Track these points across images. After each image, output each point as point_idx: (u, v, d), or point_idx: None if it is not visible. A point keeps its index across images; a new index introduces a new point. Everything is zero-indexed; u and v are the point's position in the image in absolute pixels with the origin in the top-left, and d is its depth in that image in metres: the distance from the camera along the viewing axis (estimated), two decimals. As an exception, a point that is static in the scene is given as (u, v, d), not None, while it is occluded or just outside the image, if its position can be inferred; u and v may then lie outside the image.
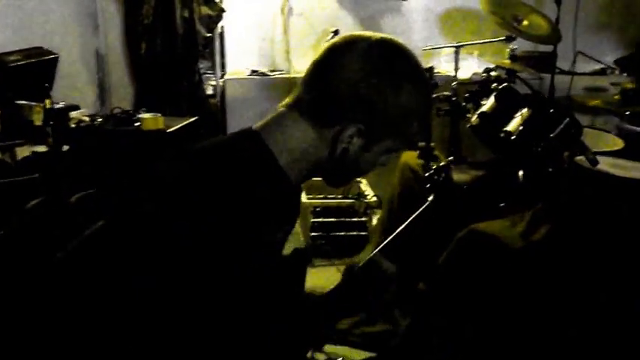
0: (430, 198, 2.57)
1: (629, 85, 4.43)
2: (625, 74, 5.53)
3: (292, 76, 5.16)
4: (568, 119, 3.30)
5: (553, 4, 4.70)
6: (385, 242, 2.24)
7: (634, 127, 4.46)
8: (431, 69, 3.82)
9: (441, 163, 2.70)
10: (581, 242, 2.93)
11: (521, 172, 3.47)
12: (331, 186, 1.79)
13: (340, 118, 1.58)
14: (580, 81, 5.27)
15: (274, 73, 5.28)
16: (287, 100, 1.65)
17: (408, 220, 2.41)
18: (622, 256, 2.92)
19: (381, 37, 1.62)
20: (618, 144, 4.07)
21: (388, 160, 1.71)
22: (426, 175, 2.68)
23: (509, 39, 4.58)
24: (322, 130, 1.60)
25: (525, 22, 4.38)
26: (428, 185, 2.69)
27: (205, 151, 1.60)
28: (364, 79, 1.55)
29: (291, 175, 1.61)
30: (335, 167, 1.65)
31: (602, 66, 5.59)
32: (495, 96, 3.58)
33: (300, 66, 5.21)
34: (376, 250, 2.14)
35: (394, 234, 2.32)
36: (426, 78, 1.68)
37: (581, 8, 4.87)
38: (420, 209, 2.50)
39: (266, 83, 5.18)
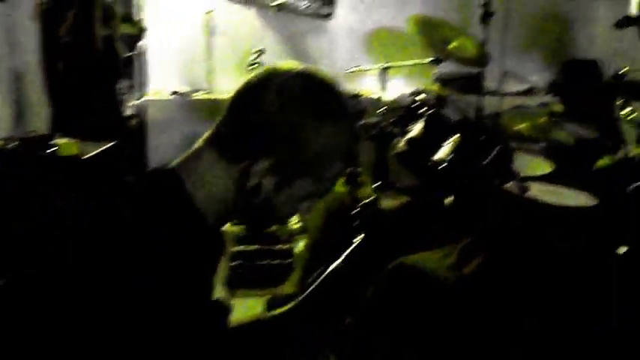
0: (358, 238, 2.46)
1: (558, 108, 4.40)
2: (551, 94, 5.54)
3: (215, 96, 5.01)
4: (500, 147, 3.23)
5: (480, 25, 4.68)
6: (311, 288, 2.13)
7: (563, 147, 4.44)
8: (357, 95, 3.71)
9: (370, 198, 2.59)
10: (514, 274, 2.87)
11: (449, 199, 3.40)
12: (251, 232, 1.70)
13: (253, 152, 1.47)
14: (508, 101, 5.24)
15: (196, 93, 5.13)
16: (206, 134, 1.54)
17: (335, 264, 2.30)
18: (554, 286, 2.87)
19: (303, 70, 1.53)
20: (546, 168, 4.04)
21: (310, 208, 1.60)
22: (353, 212, 2.57)
23: (437, 61, 4.52)
24: (236, 168, 1.49)
25: (453, 44, 4.32)
26: (356, 223, 2.58)
27: (120, 192, 1.50)
28: (281, 114, 1.46)
29: (210, 216, 1.50)
30: (249, 207, 1.54)
31: (529, 86, 5.59)
32: (423, 123, 3.50)
33: (224, 86, 5.06)
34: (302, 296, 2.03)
35: (320, 279, 2.21)
36: (350, 115, 1.58)
37: (508, 28, 4.82)
38: (348, 251, 2.39)
39: (188, 104, 5.03)
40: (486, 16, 4.71)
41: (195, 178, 1.49)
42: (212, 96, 5.05)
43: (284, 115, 1.46)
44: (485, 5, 4.69)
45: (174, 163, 1.52)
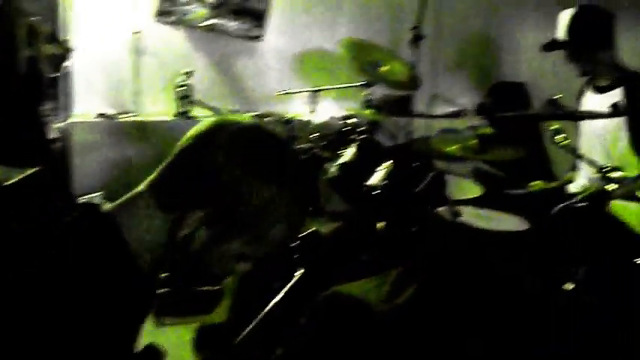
0: (298, 273, 2.43)
1: (487, 131, 4.43)
2: (479, 117, 5.59)
3: (143, 119, 4.91)
4: (433, 173, 3.24)
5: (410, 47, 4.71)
6: (255, 322, 2.12)
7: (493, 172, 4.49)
8: (290, 121, 3.67)
9: (309, 230, 2.56)
10: (447, 301, 2.87)
11: (381, 224, 3.39)
12: (180, 286, 1.64)
13: (190, 202, 1.42)
14: (437, 124, 5.27)
15: (124, 115, 5.02)
16: (148, 179, 1.48)
17: (277, 299, 2.28)
18: (487, 314, 2.88)
19: (253, 125, 1.48)
20: (476, 191, 4.07)
21: (247, 269, 1.53)
22: (291, 245, 2.54)
23: (367, 85, 4.52)
24: (170, 217, 1.44)
25: (384, 68, 4.31)
26: (296, 256, 2.54)
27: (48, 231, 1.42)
28: (225, 168, 1.40)
29: (144, 264, 1.44)
30: (179, 259, 1.48)
31: (457, 108, 5.63)
32: (355, 148, 3.48)
33: (151, 109, 4.96)
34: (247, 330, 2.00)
35: (263, 314, 2.19)
36: (297, 177, 1.50)
37: (439, 51, 4.85)
38: (289, 285, 2.36)
39: (114, 127, 4.91)
40: (416, 40, 4.74)
41: (131, 224, 1.43)
42: (139, 118, 4.95)
43: (227, 170, 1.40)
44: (416, 29, 4.72)
45: (112, 206, 1.46)
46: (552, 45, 4.05)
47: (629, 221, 3.61)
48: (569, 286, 2.87)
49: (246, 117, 1.51)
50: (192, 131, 1.48)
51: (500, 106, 5.60)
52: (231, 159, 1.41)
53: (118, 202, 1.47)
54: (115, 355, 1.41)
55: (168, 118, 4.90)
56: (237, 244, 1.46)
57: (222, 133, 1.45)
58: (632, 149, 3.78)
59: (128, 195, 1.47)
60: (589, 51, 3.89)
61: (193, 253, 1.45)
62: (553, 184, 4.32)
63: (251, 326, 2.24)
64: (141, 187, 1.47)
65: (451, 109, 5.62)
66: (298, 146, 3.79)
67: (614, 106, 3.66)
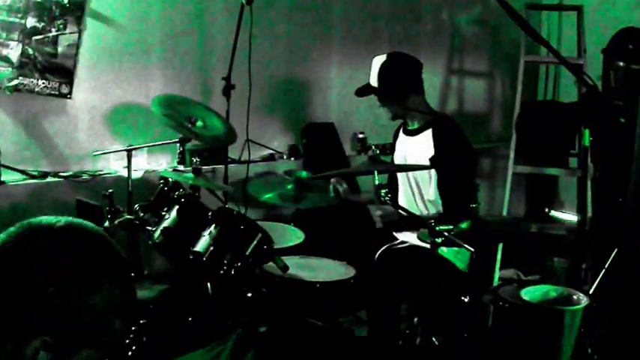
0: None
1: (303, 175, 4.54)
2: (292, 159, 5.72)
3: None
4: (260, 234, 3.31)
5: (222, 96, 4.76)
6: None
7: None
8: (111, 195, 3.62)
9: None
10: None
11: (208, 285, 3.42)
12: None
13: (18, 331, 1.30)
14: (252, 168, 5.34)
15: None
16: None
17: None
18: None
19: (65, 223, 1.38)
20: (300, 236, 4.18)
21: None
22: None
23: (182, 141, 4.54)
24: (4, 350, 1.31)
25: (199, 123, 4.32)
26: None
27: None
28: (43, 282, 1.30)
29: None
30: None
31: (270, 152, 5.73)
32: (178, 211, 3.50)
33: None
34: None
35: None
36: (123, 269, 1.45)
37: (250, 98, 4.91)
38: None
39: None
40: (228, 89, 4.80)
41: None
42: None
43: (47, 279, 1.31)
44: (226, 78, 4.78)
45: None
46: (365, 90, 4.24)
47: (454, 262, 3.84)
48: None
49: (54, 219, 1.38)
50: None
51: (312, 146, 5.75)
52: (52, 268, 1.32)
53: None
54: None
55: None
56: (81, 356, 1.36)
57: (37, 233, 1.36)
58: (441, 194, 4.00)
59: None
60: (399, 96, 4.10)
61: None
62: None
63: None
64: None
65: (264, 153, 5.72)
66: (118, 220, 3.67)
67: (431, 159, 3.90)
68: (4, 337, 1.30)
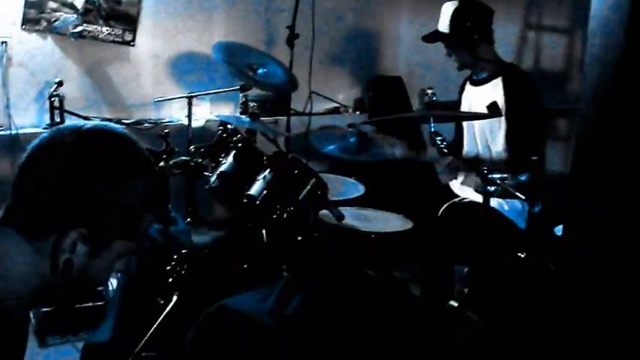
0: (174, 297, 2.37)
1: (366, 127, 4.44)
2: (358, 112, 5.63)
3: (14, 132, 4.71)
4: (314, 180, 3.22)
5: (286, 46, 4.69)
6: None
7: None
8: (167, 134, 3.57)
9: (182, 252, 2.50)
10: (335, 309, 2.86)
11: (264, 232, 3.36)
12: (59, 307, 1.62)
13: (56, 225, 1.38)
14: (316, 120, 5.27)
15: (-8, 129, 4.81)
16: (3, 209, 1.43)
17: (157, 323, 2.23)
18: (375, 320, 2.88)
19: (93, 126, 1.46)
20: (360, 189, 4.08)
21: (130, 265, 1.57)
22: (168, 268, 2.48)
23: (243, 88, 4.47)
24: (40, 245, 1.38)
25: (261, 71, 4.27)
26: (170, 280, 2.48)
27: None
28: (76, 178, 1.38)
29: (11, 302, 1.37)
30: (62, 284, 1.42)
31: (335, 105, 5.64)
32: (234, 156, 3.43)
33: (23, 121, 4.76)
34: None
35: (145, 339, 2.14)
36: (151, 165, 1.52)
37: (315, 48, 4.83)
38: (166, 310, 2.30)
39: (-17, 141, 4.69)
40: (292, 38, 4.72)
41: None
42: (10, 132, 4.74)
43: (80, 175, 1.39)
44: (290, 27, 4.70)
45: None
46: (433, 36, 4.10)
47: (510, 218, 3.70)
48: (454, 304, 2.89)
49: (81, 122, 1.48)
50: (29, 151, 1.44)
51: (378, 101, 5.64)
52: (84, 165, 1.39)
53: None
54: None
55: (41, 129, 4.73)
56: (116, 248, 1.46)
57: (64, 138, 1.42)
58: (509, 145, 3.87)
59: None
60: (470, 43, 3.96)
61: (76, 274, 1.42)
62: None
63: (138, 348, 2.18)
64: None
65: (329, 106, 5.63)
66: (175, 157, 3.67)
67: (493, 105, 3.75)
68: (49, 229, 1.38)
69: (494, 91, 3.90)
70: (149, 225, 1.52)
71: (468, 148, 4.12)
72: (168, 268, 2.50)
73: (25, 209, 1.40)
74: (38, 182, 1.40)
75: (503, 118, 3.84)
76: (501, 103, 3.85)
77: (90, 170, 1.39)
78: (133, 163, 1.46)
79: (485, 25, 4.02)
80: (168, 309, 2.30)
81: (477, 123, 4.03)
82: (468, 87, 4.17)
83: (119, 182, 1.42)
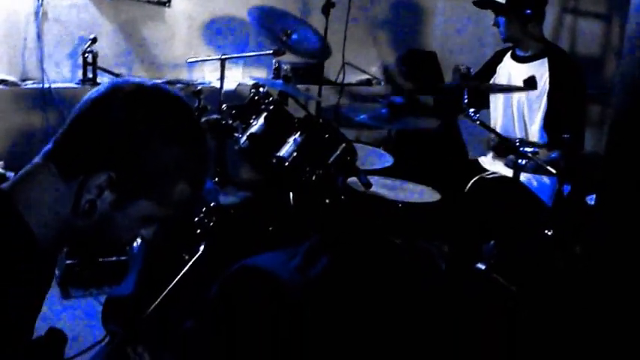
0: (202, 247, 2.37)
1: (398, 100, 4.42)
2: (389, 85, 5.60)
3: (47, 85, 4.73)
4: (344, 145, 3.21)
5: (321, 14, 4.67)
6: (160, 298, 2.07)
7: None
8: (200, 92, 3.56)
9: (211, 205, 2.50)
10: (361, 273, 2.85)
11: (291, 195, 3.35)
12: (85, 256, 1.62)
13: (89, 164, 1.38)
14: (347, 91, 5.26)
15: (26, 82, 4.84)
16: (44, 150, 1.44)
17: (182, 273, 2.23)
18: (401, 286, 2.87)
19: (153, 86, 1.46)
20: (389, 160, 4.07)
21: (152, 234, 1.50)
22: (196, 219, 2.48)
23: (277, 53, 4.46)
24: (73, 184, 1.39)
25: (295, 36, 4.26)
26: (198, 231, 2.48)
27: None
28: (119, 125, 1.39)
29: (45, 239, 1.38)
30: (84, 227, 1.42)
31: (367, 77, 5.61)
32: (265, 118, 3.42)
33: (55, 75, 4.79)
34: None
35: (171, 286, 2.14)
36: (199, 137, 1.50)
37: (349, 19, 4.81)
38: (192, 259, 2.31)
39: (17, 94, 4.72)
40: (328, 7, 4.70)
41: (29, 200, 1.38)
42: (43, 85, 4.77)
43: (127, 130, 1.39)
44: (327, -4, 4.69)
45: (7, 184, 1.41)
46: (486, 2, 4.09)
47: (538, 195, 3.68)
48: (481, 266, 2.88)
49: (144, 80, 1.49)
50: (88, 95, 1.45)
51: (411, 74, 5.61)
52: (130, 118, 1.40)
53: (14, 178, 1.42)
54: (14, 337, 1.35)
55: (73, 85, 4.76)
56: (142, 207, 1.44)
57: (121, 93, 1.43)
58: (546, 124, 3.85)
59: (25, 169, 1.43)
60: (524, 16, 3.94)
61: (97, 219, 1.41)
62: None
63: (160, 299, 2.18)
64: (37, 158, 1.43)
65: (362, 78, 5.61)
66: (207, 117, 3.68)
67: (530, 79, 3.73)
68: (76, 169, 1.38)
69: (539, 71, 3.90)
70: (185, 199, 1.48)
71: (503, 120, 4.11)
72: (195, 219, 2.50)
73: (67, 147, 1.42)
74: (88, 124, 1.42)
75: (544, 98, 3.84)
76: (545, 83, 3.85)
77: (134, 118, 1.40)
78: (183, 132, 1.46)
79: (541, 3, 4.01)
80: (194, 259, 2.30)
81: (515, 98, 4.01)
82: (509, 61, 4.16)
83: (163, 140, 1.41)
